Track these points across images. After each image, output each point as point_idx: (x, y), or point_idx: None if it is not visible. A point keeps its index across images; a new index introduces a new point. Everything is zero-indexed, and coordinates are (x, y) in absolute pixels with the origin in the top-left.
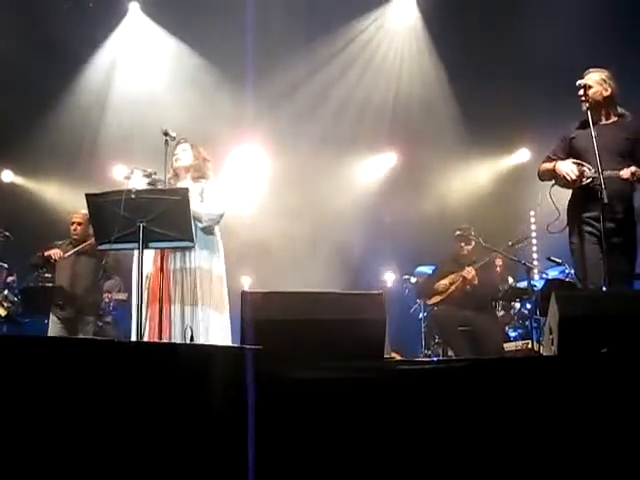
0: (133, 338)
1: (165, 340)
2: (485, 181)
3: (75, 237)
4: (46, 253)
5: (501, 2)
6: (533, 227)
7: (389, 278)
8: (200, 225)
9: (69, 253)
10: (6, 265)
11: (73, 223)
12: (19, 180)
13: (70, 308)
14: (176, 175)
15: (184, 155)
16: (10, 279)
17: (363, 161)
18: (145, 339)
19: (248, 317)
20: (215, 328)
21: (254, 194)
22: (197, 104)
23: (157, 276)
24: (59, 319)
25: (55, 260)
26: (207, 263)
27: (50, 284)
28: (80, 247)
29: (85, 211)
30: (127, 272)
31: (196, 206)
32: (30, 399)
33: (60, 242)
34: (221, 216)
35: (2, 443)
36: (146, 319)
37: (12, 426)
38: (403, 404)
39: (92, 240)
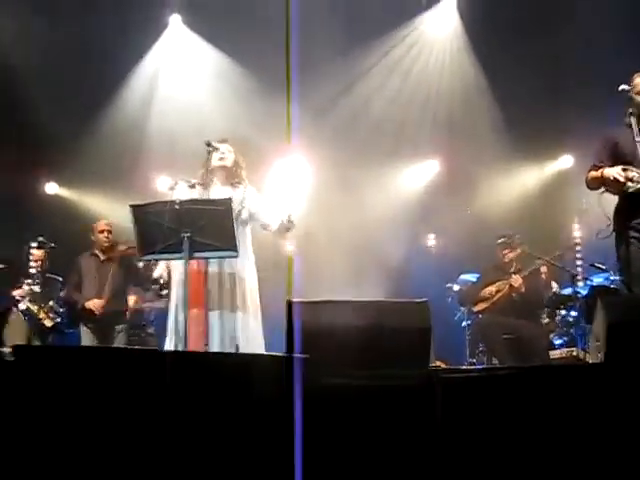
0: (169, 344)
1: (204, 345)
2: (528, 188)
3: (106, 245)
4: (87, 305)
5: (544, 8)
6: (577, 234)
7: (432, 286)
8: (272, 229)
9: (106, 296)
10: (60, 278)
11: (103, 231)
12: (64, 192)
13: (98, 317)
14: (209, 175)
15: (229, 155)
16: (62, 293)
17: (405, 169)
18: (185, 345)
19: (294, 326)
20: (253, 335)
21: (297, 202)
22: (239, 115)
23: (197, 280)
24: (89, 329)
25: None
26: (243, 269)
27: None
28: (123, 251)
29: (107, 221)
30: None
31: (264, 215)
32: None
33: (82, 255)
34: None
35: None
36: (185, 323)
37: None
38: (449, 412)
39: (122, 248)
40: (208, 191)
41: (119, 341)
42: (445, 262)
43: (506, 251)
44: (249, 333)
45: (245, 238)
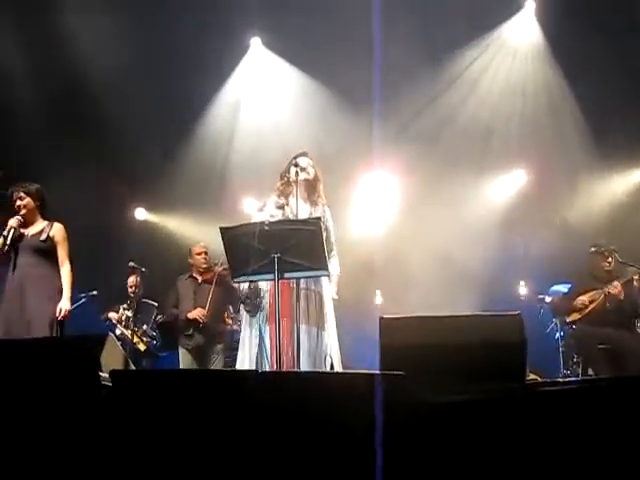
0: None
1: (292, 359)
2: (618, 195)
3: (204, 266)
4: (189, 316)
5: (626, 10)
6: None
7: (522, 298)
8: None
9: (209, 299)
10: (156, 304)
11: (200, 253)
12: (153, 217)
13: (197, 337)
14: (286, 188)
15: (310, 169)
16: (160, 318)
17: (492, 180)
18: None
19: (386, 342)
20: (335, 351)
21: (386, 217)
22: (322, 134)
23: (287, 292)
24: (188, 350)
25: (201, 323)
26: (327, 286)
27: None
28: (219, 272)
29: (203, 243)
30: None
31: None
32: (175, 431)
33: (181, 276)
34: None
35: (155, 474)
36: (278, 334)
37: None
38: (546, 427)
39: (219, 269)
40: (288, 206)
41: (217, 363)
42: (536, 273)
43: (601, 260)
44: (332, 348)
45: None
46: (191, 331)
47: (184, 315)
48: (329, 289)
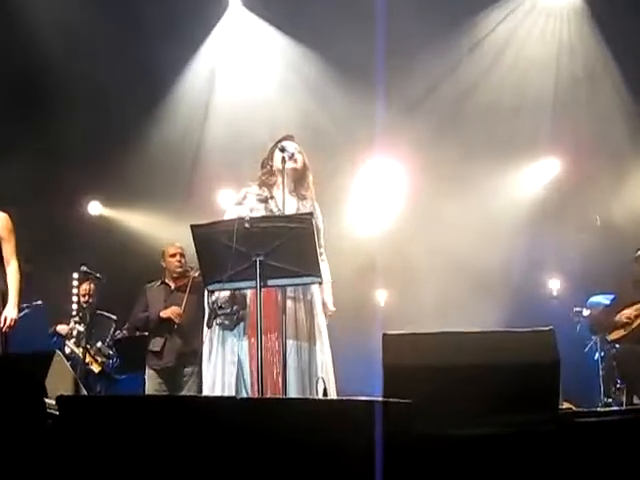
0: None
1: (278, 383)
2: None
3: (179, 270)
4: (162, 315)
5: None
6: None
7: (556, 311)
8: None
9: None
10: (114, 317)
11: (175, 255)
12: (109, 212)
13: (168, 356)
14: (269, 178)
15: (299, 157)
16: (119, 334)
17: (518, 170)
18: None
19: (390, 363)
20: (329, 373)
21: (390, 212)
22: (314, 112)
23: (271, 302)
24: (156, 371)
25: (176, 323)
26: (318, 295)
27: (146, 332)
28: (195, 277)
29: (179, 244)
30: None
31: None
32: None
33: (150, 284)
34: None
35: None
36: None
37: None
38: (584, 465)
39: (195, 274)
40: (273, 199)
41: (189, 387)
42: (571, 281)
43: None
44: (327, 366)
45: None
46: (157, 348)
47: (155, 315)
48: (320, 298)
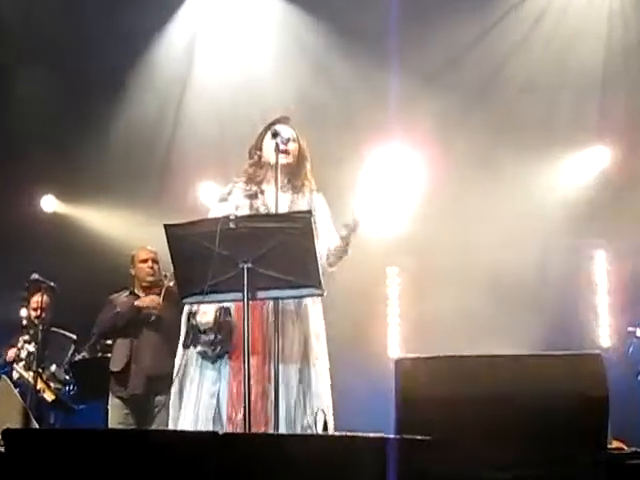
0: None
1: (267, 415)
2: None
3: (150, 279)
4: (139, 303)
5: None
6: None
7: (603, 332)
8: (325, 265)
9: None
10: (73, 336)
11: (147, 260)
12: (66, 209)
13: (135, 381)
14: (257, 171)
15: (293, 147)
16: (78, 356)
17: (559, 160)
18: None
19: (404, 394)
20: (328, 401)
21: (405, 208)
22: (315, 88)
23: (259, 318)
24: (121, 400)
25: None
26: (317, 308)
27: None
28: (170, 288)
29: (151, 247)
30: None
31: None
32: None
33: (116, 294)
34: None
35: None
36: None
37: None
38: None
39: (168, 283)
40: (263, 194)
41: (161, 419)
42: (623, 294)
43: None
44: (321, 396)
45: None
46: (123, 374)
47: (126, 307)
48: (317, 313)
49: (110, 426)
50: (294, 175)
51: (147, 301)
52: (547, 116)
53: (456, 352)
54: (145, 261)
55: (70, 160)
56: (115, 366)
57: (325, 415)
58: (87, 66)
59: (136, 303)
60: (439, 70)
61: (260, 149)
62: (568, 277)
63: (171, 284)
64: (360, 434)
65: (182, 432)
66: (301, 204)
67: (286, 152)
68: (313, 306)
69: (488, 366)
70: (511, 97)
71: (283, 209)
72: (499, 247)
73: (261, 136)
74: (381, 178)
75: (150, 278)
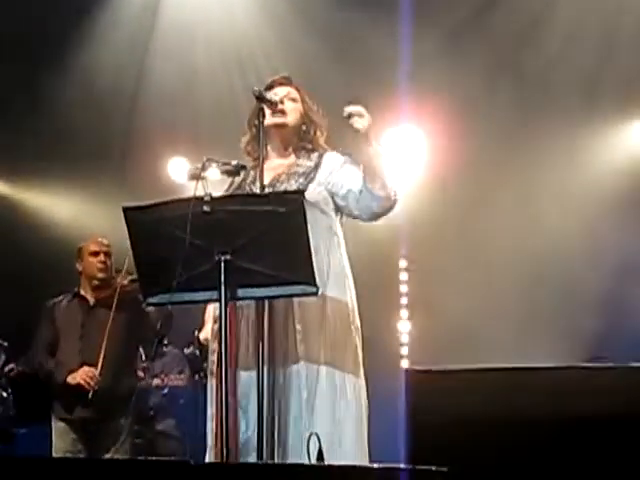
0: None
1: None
2: None
3: (101, 276)
4: (70, 381)
5: None
6: None
7: None
8: (374, 210)
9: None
10: (4, 343)
11: (97, 253)
12: (7, 190)
13: (86, 405)
14: (255, 147)
15: (292, 106)
16: (10, 367)
17: (608, 133)
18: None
19: (417, 413)
20: (347, 411)
21: (420, 193)
22: (306, 48)
23: (232, 323)
24: (67, 423)
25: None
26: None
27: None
28: (125, 286)
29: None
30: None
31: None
32: None
33: (56, 299)
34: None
35: None
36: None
37: None
38: None
39: (124, 281)
40: (261, 173)
41: (118, 449)
42: None
43: None
44: (339, 406)
45: (331, 246)
46: (70, 394)
47: (62, 376)
48: (343, 296)
49: (55, 455)
50: (299, 138)
51: (79, 377)
52: (594, 80)
53: (480, 362)
54: (96, 254)
55: (9, 130)
56: (60, 380)
57: (319, 440)
58: (35, 12)
59: (68, 380)
60: (462, 26)
61: (260, 117)
62: (619, 271)
63: (125, 282)
64: (360, 464)
65: (148, 462)
66: (299, 169)
67: (282, 112)
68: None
69: (520, 380)
70: (549, 57)
71: (280, 178)
72: (533, 236)
73: (260, 108)
74: (395, 159)
75: (101, 275)
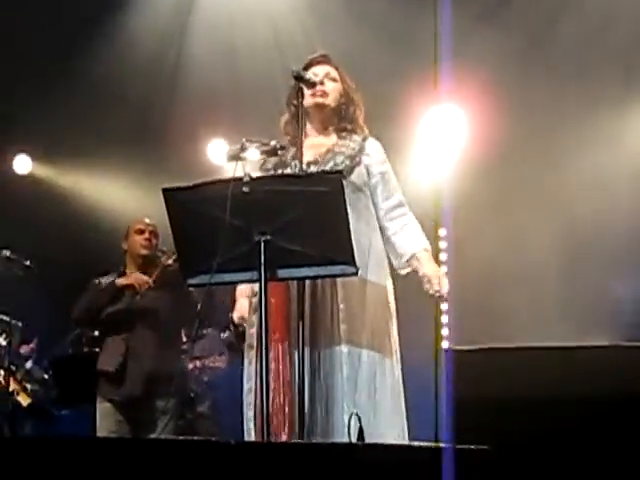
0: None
1: (282, 403)
2: None
3: (145, 253)
4: (120, 281)
5: None
6: None
7: None
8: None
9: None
10: (20, 323)
11: (142, 231)
12: (43, 170)
13: (131, 385)
14: (295, 126)
15: (332, 86)
16: (26, 349)
17: None
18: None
19: (459, 393)
20: (385, 392)
21: (452, 183)
22: (347, 29)
23: (281, 298)
24: (113, 404)
25: (138, 293)
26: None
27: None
28: (168, 266)
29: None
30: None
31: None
32: None
33: (104, 278)
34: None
35: None
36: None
37: None
38: None
39: (165, 261)
40: (300, 153)
41: (163, 429)
42: None
43: None
44: (377, 385)
45: (373, 229)
46: (115, 374)
47: (111, 285)
48: (378, 266)
49: (99, 435)
50: (337, 120)
51: (131, 279)
52: (631, 66)
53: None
54: (141, 232)
55: (49, 111)
56: (108, 365)
57: (360, 419)
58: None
59: (117, 281)
60: (493, 10)
61: (299, 98)
62: None
63: (169, 262)
64: (403, 443)
65: (192, 441)
66: (345, 150)
67: (322, 92)
68: (373, 274)
69: (567, 360)
70: (589, 32)
71: (320, 158)
72: (577, 226)
73: (298, 88)
74: (433, 143)
75: (145, 252)
